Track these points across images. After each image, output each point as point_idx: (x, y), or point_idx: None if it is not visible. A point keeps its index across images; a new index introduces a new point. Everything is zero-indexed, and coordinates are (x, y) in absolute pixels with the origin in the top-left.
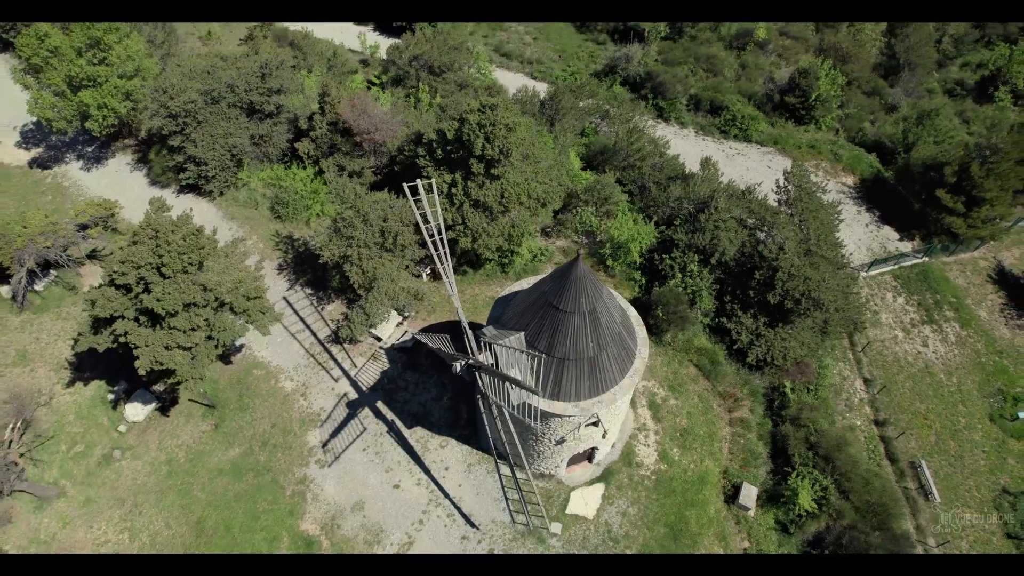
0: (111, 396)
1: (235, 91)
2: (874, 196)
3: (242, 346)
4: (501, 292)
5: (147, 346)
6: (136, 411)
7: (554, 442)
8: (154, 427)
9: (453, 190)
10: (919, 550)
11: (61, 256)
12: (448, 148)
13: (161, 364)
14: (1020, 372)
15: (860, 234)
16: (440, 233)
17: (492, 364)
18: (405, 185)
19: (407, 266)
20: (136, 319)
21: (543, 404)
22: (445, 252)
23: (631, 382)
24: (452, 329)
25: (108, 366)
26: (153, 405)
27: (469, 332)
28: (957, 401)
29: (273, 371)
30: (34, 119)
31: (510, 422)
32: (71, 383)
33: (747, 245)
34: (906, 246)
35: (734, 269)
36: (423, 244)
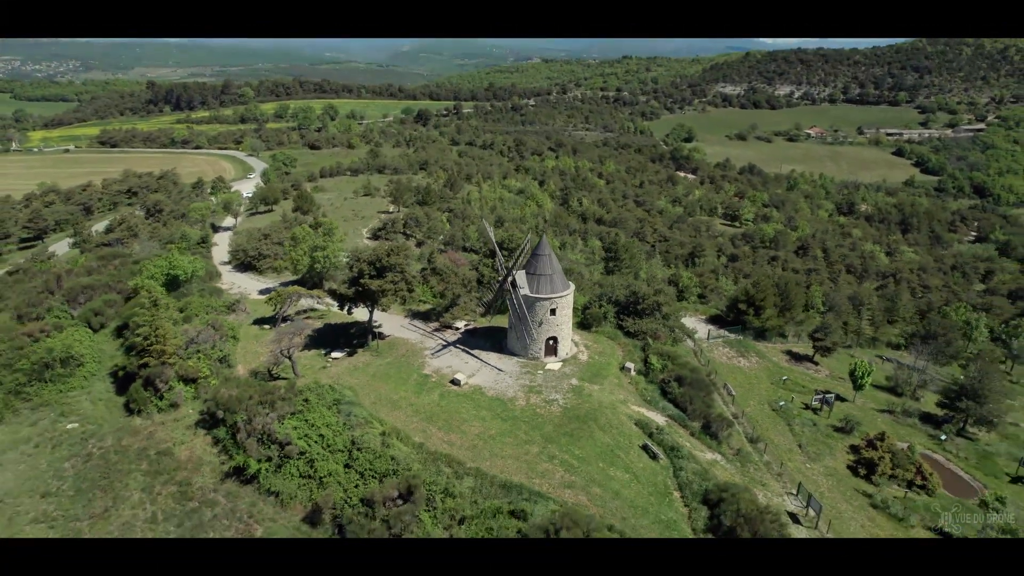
0: (323, 352)
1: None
2: (715, 321)
3: (390, 335)
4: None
5: (374, 284)
6: (336, 355)
7: (537, 324)
8: (344, 361)
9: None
10: (725, 409)
11: (302, 309)
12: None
13: (381, 287)
14: (786, 373)
15: (704, 331)
16: (499, 255)
17: (512, 280)
18: (486, 223)
19: (473, 298)
20: (370, 276)
21: (531, 296)
22: (499, 256)
23: (569, 291)
24: (491, 330)
25: (322, 343)
26: (345, 353)
27: (501, 256)
28: (755, 379)
29: (405, 339)
30: (267, 286)
31: (523, 308)
32: (302, 349)
33: (628, 295)
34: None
35: (624, 304)
36: (482, 285)
